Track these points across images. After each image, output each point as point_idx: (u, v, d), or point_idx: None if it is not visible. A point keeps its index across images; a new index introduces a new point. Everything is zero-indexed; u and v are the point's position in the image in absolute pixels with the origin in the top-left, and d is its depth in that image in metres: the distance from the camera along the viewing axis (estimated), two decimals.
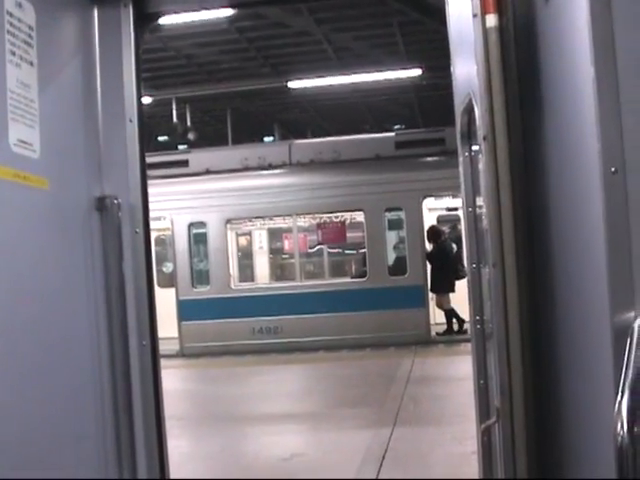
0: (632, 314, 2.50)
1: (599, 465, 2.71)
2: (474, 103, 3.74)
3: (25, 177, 3.37)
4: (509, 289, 3.64)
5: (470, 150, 4.28)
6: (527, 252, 3.78)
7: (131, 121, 4.36)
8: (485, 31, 3.50)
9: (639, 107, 2.58)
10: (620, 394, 2.32)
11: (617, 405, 2.30)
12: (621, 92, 2.56)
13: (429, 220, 19.86)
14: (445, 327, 18.55)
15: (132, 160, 4.36)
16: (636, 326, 2.44)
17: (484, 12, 3.51)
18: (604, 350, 2.59)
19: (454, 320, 18.30)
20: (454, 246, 18.78)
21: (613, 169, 2.55)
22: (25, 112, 3.41)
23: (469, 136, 4.21)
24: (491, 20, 3.50)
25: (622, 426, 2.26)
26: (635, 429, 2.27)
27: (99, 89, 4.14)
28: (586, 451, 3.12)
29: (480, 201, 4.06)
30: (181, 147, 24.63)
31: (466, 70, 3.97)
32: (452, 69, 4.41)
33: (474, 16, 3.55)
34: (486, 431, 4.01)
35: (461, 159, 4.31)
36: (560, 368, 3.58)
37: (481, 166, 3.82)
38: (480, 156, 3.82)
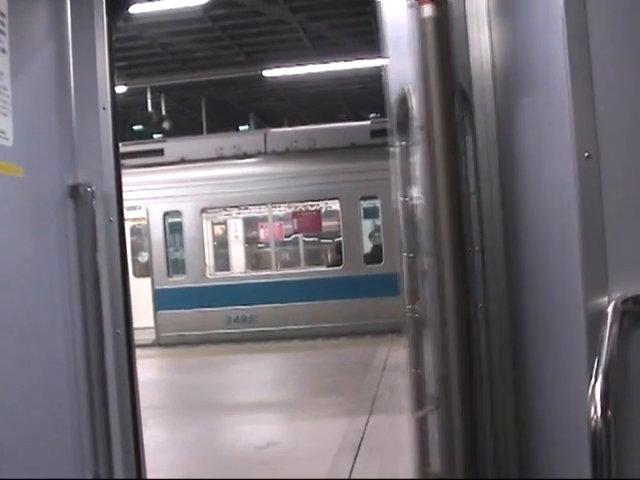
0: (605, 299, 2.52)
1: (573, 449, 2.73)
2: (409, 94, 3.77)
3: None
4: (446, 277, 3.66)
5: (405, 140, 4.28)
6: (459, 241, 3.81)
7: (104, 109, 4.34)
8: (422, 21, 3.53)
9: (612, 92, 2.60)
10: (594, 379, 2.33)
11: (591, 390, 2.31)
12: (594, 77, 2.58)
13: None
14: None
15: (106, 148, 4.34)
16: (609, 311, 2.46)
17: (420, 2, 3.53)
18: (578, 335, 2.61)
19: None
20: None
21: (587, 154, 2.56)
22: None
23: (404, 127, 4.22)
24: (427, 10, 3.52)
25: (595, 410, 2.28)
26: (608, 413, 2.29)
27: (72, 77, 4.11)
28: (560, 436, 3.14)
29: (415, 191, 4.10)
30: (156, 136, 24.59)
31: (401, 61, 3.99)
32: (386, 60, 4.42)
33: (410, 7, 3.57)
34: (420, 420, 4.05)
35: (396, 150, 4.32)
36: (534, 354, 3.60)
37: (417, 156, 3.85)
38: (416, 146, 3.84)
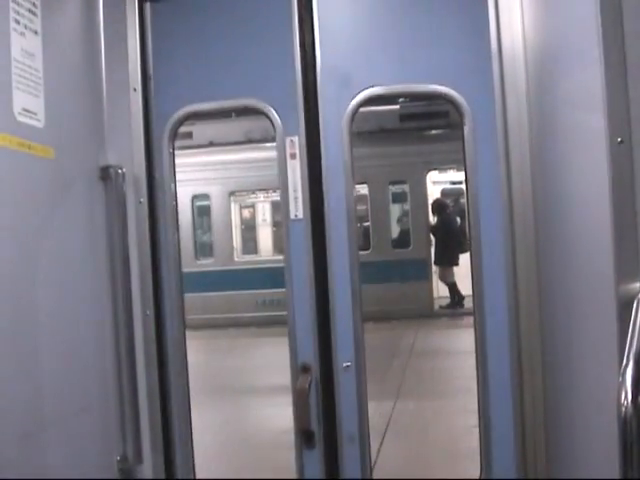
0: (637, 285, 2.50)
1: (603, 435, 2.72)
2: None
3: (30, 146, 3.35)
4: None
5: None
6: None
7: (135, 90, 4.35)
8: None
9: None
10: (624, 364, 2.31)
11: (621, 375, 2.30)
12: (628, 62, 2.55)
13: (433, 193, 19.85)
14: (449, 300, 18.54)
15: (136, 130, 4.35)
16: None
17: None
18: (609, 321, 2.59)
19: (456, 294, 18.31)
20: (458, 219, 18.74)
21: (619, 139, 2.53)
22: (29, 81, 3.38)
23: None
24: None
25: (626, 396, 2.26)
26: (639, 400, 2.27)
27: (103, 58, 4.11)
28: (591, 421, 3.13)
29: None
30: None
31: None
32: None
33: None
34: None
35: None
36: (565, 339, 3.58)
37: None
38: None
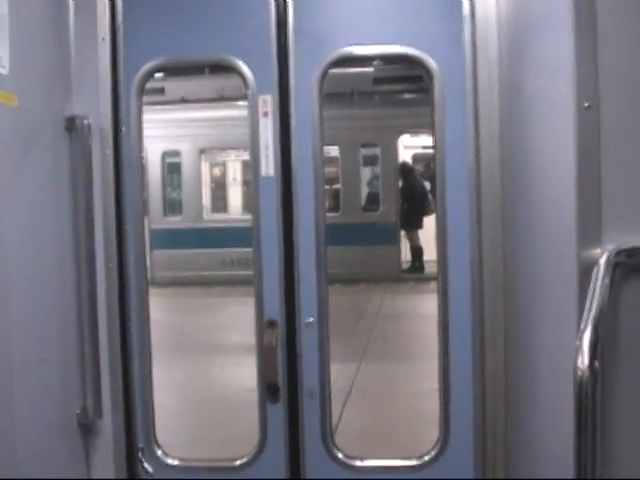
0: (598, 250, 2.51)
1: (561, 398, 2.74)
2: None
3: None
4: None
5: None
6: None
7: (103, 40, 4.28)
8: None
9: (615, 44, 2.56)
10: (583, 329, 2.33)
11: (579, 339, 2.31)
12: (599, 29, 2.54)
13: (405, 157, 19.86)
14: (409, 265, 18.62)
15: (104, 81, 4.29)
16: (602, 262, 2.45)
17: None
18: (570, 286, 2.60)
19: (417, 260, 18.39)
20: (426, 184, 18.79)
21: (587, 104, 2.53)
22: None
23: None
24: None
25: (583, 360, 2.28)
26: (595, 364, 2.29)
27: (71, 5, 4.04)
28: (550, 384, 3.15)
29: None
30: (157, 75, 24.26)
31: None
32: None
33: None
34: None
35: None
36: (527, 303, 3.60)
37: None
38: None
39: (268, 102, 4.35)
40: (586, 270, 2.49)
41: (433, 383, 4.60)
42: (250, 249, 4.54)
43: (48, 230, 3.84)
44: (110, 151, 4.30)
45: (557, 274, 2.89)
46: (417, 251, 18.43)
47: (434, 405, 4.55)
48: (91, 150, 4.09)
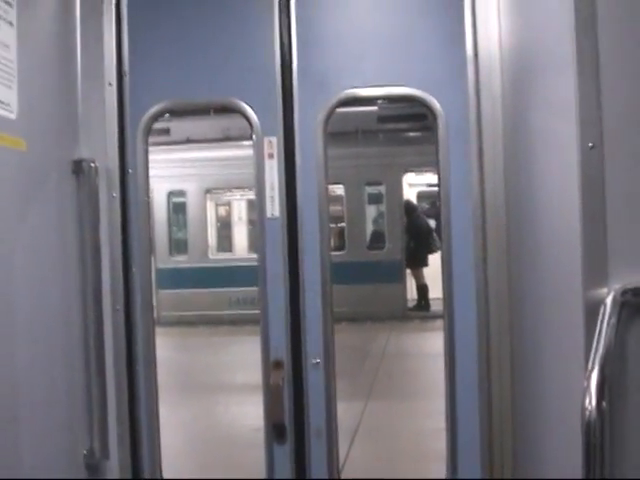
0: (605, 290, 2.51)
1: (568, 438, 2.73)
2: None
3: (1, 137, 3.33)
4: None
5: None
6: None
7: (110, 85, 4.33)
8: None
9: (618, 84, 2.58)
10: (590, 369, 2.33)
11: (586, 380, 2.31)
12: (601, 67, 2.56)
13: (410, 195, 19.90)
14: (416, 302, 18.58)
15: (110, 124, 4.34)
16: (608, 302, 2.45)
17: None
18: (576, 325, 2.60)
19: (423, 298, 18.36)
20: (428, 221, 18.82)
21: (591, 145, 2.55)
22: (3, 72, 3.35)
23: None
24: None
25: (590, 401, 2.28)
26: (603, 404, 2.28)
27: (79, 52, 4.09)
28: (557, 425, 3.15)
29: None
30: None
31: None
32: None
33: None
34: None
35: None
36: (533, 342, 3.59)
37: None
38: None
39: (273, 144, 4.38)
40: (592, 309, 2.49)
41: (439, 421, 4.59)
42: (255, 288, 4.55)
43: (55, 272, 3.86)
44: (117, 193, 4.34)
45: (563, 313, 2.89)
46: (423, 289, 18.40)
47: (440, 443, 4.53)
48: (98, 192, 4.12)
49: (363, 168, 18.30)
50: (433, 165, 4.43)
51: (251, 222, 22.71)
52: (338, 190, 19.11)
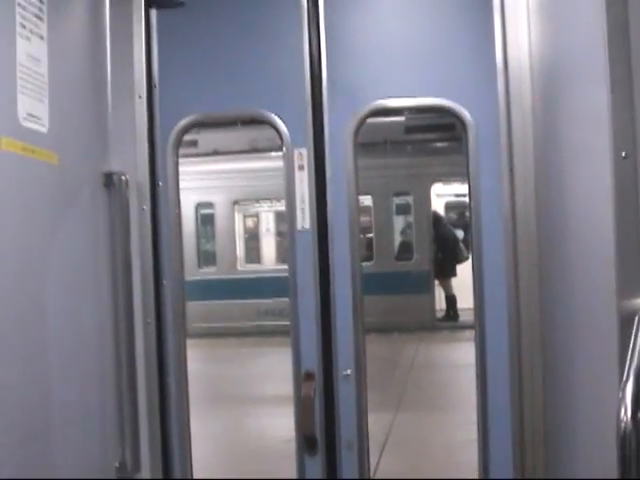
0: (639, 300, 2.49)
1: (602, 451, 2.71)
2: None
3: (34, 151, 3.35)
4: None
5: None
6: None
7: (140, 97, 4.36)
8: None
9: None
10: (625, 380, 2.30)
11: (621, 391, 2.29)
12: (634, 75, 2.54)
13: (438, 206, 19.88)
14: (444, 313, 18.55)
15: (140, 137, 4.36)
16: None
17: None
18: (610, 336, 2.58)
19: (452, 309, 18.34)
20: (455, 231, 18.81)
21: (624, 154, 2.53)
22: (34, 86, 3.38)
23: None
24: None
25: (625, 412, 2.25)
26: (638, 415, 2.26)
27: (108, 64, 4.12)
28: (590, 436, 3.12)
29: None
30: None
31: None
32: None
33: None
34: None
35: None
36: (566, 354, 3.57)
37: None
38: None
39: (303, 155, 4.38)
40: (627, 320, 2.47)
41: (469, 432, 4.56)
42: (283, 299, 4.55)
43: (87, 286, 3.88)
44: (147, 206, 4.36)
45: (596, 324, 2.87)
46: (451, 299, 18.37)
47: (471, 455, 4.51)
48: (129, 205, 4.15)
49: (391, 179, 18.29)
50: (461, 175, 4.42)
51: (279, 234, 22.78)
52: (366, 201, 19.10)
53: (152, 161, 4.43)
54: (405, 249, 19.31)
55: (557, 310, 3.73)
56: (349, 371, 4.40)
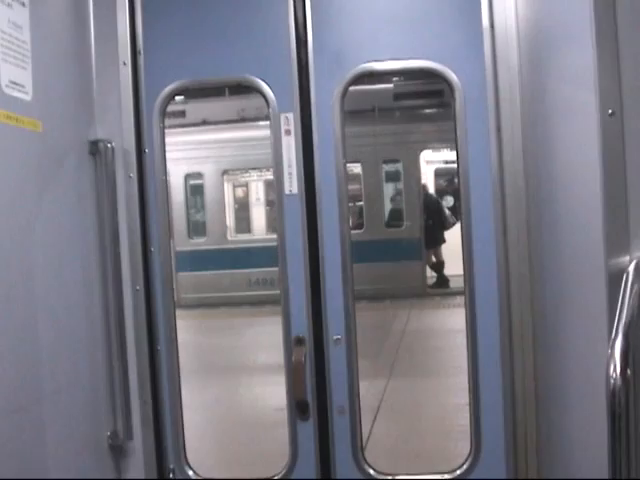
0: (627, 258, 2.49)
1: (593, 407, 2.72)
2: None
3: (17, 119, 3.33)
4: None
5: None
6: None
7: (125, 64, 4.32)
8: None
9: (637, 50, 2.55)
10: (614, 337, 2.31)
11: (610, 347, 2.29)
12: (619, 33, 2.53)
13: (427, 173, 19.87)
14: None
15: (126, 104, 4.32)
16: (631, 270, 2.43)
17: None
18: (599, 295, 2.59)
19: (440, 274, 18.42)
20: (450, 199, 18.81)
21: (610, 111, 2.52)
22: (17, 53, 3.35)
23: None
24: None
25: (615, 368, 2.26)
26: (628, 372, 2.26)
27: (92, 31, 4.09)
28: (580, 393, 3.13)
29: None
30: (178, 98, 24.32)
31: None
32: None
33: None
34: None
35: None
36: (556, 313, 3.58)
37: None
38: None
39: (290, 120, 4.36)
40: (615, 278, 2.47)
41: (461, 397, 4.58)
42: (275, 269, 4.55)
43: (74, 252, 3.87)
44: (134, 173, 4.33)
45: (586, 283, 2.87)
46: (439, 265, 18.43)
47: (463, 420, 4.53)
48: (115, 173, 4.13)
49: (380, 146, 18.24)
50: (450, 142, 4.40)
51: (269, 203, 22.74)
52: (355, 169, 19.06)
53: (138, 128, 4.39)
54: (395, 216, 19.30)
55: (546, 270, 3.73)
56: (339, 336, 4.40)
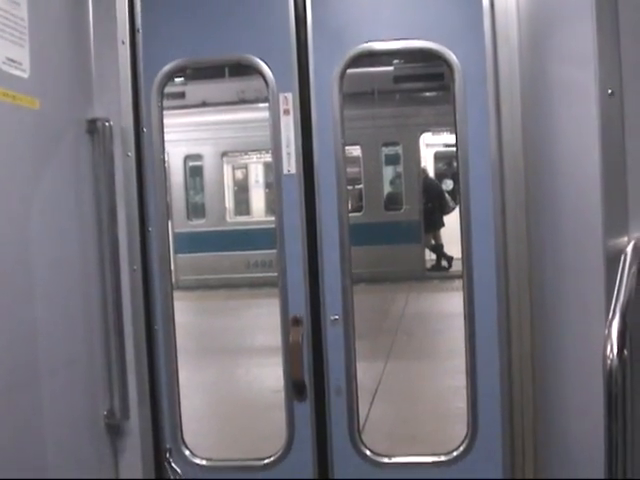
0: (625, 239, 2.49)
1: (588, 387, 2.72)
2: None
3: (14, 96, 3.31)
4: None
5: None
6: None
7: (123, 43, 4.30)
8: None
9: (637, 30, 2.54)
10: (611, 318, 2.31)
11: (607, 328, 2.29)
12: (620, 13, 2.52)
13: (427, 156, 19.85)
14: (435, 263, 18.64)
15: (124, 83, 4.31)
16: (629, 251, 2.43)
17: None
18: (597, 275, 2.59)
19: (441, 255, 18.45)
20: (449, 182, 18.80)
21: (610, 91, 2.51)
22: (14, 30, 3.33)
23: None
24: None
25: (612, 349, 2.26)
26: (624, 352, 2.27)
27: (90, 9, 4.07)
28: (578, 374, 3.13)
29: None
30: (177, 79, 24.30)
31: None
32: None
33: None
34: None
35: None
36: (554, 295, 3.57)
37: None
38: None
39: (289, 100, 4.34)
40: (613, 259, 2.47)
41: (459, 380, 4.58)
42: (273, 251, 4.54)
43: (71, 232, 3.86)
44: (132, 152, 4.32)
45: (584, 264, 2.87)
46: (438, 248, 18.46)
47: (460, 402, 4.54)
48: (113, 152, 4.12)
49: (380, 129, 18.22)
50: (450, 125, 4.38)
51: (268, 185, 22.72)
52: (355, 151, 19.03)
53: (136, 107, 4.38)
54: (394, 199, 19.29)
55: (545, 252, 3.73)
56: (337, 316, 4.40)
